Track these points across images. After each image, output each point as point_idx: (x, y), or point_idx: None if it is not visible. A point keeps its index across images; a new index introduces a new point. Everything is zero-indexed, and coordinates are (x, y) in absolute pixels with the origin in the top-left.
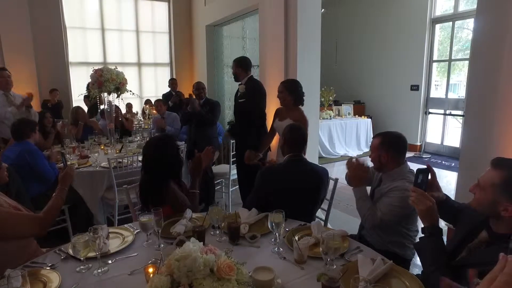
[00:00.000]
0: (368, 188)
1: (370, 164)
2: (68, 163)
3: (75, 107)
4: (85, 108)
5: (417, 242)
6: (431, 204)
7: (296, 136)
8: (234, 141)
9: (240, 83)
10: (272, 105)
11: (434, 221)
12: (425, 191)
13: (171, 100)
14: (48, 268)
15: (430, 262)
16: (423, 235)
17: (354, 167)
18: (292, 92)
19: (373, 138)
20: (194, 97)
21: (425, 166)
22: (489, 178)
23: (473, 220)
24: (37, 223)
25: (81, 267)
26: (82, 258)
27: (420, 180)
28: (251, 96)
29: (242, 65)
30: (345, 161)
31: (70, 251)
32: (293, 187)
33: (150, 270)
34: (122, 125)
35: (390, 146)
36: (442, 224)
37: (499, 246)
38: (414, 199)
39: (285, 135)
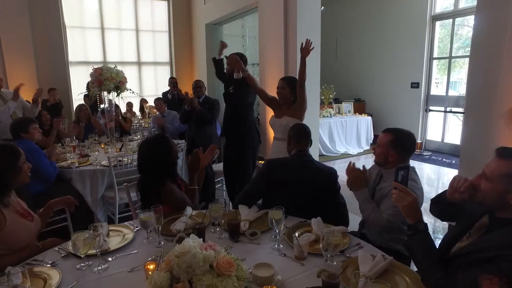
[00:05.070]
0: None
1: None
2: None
3: (79, 104)
4: None
5: (405, 242)
6: (413, 199)
7: (298, 129)
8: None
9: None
10: None
11: (418, 217)
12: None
13: (170, 92)
14: (49, 265)
15: (421, 259)
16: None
17: (353, 170)
18: (293, 88)
19: (382, 132)
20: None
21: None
22: (496, 168)
23: (474, 214)
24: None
25: (81, 264)
26: (82, 256)
27: (400, 177)
28: (239, 86)
29: (242, 59)
30: (345, 159)
31: (71, 249)
32: (296, 180)
33: (150, 267)
34: (121, 125)
35: (401, 146)
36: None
37: (500, 231)
38: (396, 196)
39: (289, 134)
